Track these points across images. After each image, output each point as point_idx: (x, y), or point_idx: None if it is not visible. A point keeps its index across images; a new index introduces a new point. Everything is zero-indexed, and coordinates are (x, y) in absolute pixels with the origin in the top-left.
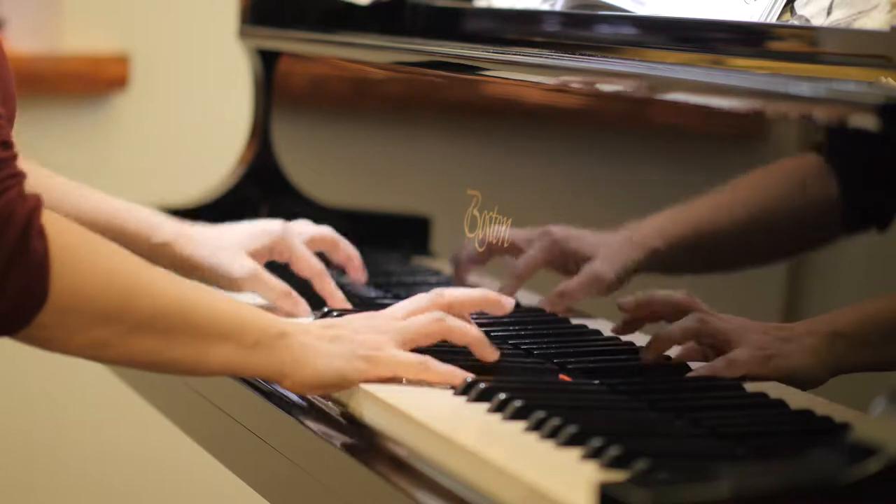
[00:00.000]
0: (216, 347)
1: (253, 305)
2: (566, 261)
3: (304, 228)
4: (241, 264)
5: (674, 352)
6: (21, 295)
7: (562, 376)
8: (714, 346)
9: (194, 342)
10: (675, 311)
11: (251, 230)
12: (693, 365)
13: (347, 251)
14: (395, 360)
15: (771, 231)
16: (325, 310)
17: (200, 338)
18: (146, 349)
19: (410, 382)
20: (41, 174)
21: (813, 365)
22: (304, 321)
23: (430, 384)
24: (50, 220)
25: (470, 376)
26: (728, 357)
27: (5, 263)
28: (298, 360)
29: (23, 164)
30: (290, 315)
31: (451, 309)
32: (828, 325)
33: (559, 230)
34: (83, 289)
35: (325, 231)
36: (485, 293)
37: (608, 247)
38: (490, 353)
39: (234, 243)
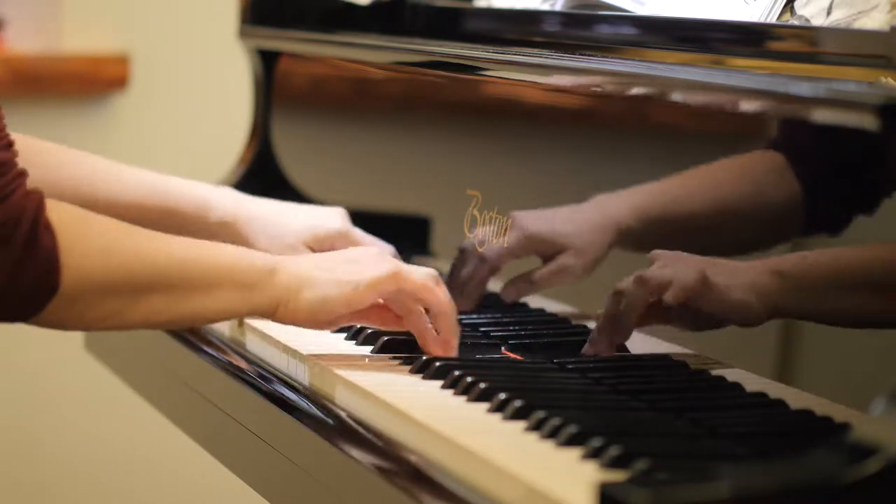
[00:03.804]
0: (217, 294)
1: (243, 248)
2: (538, 248)
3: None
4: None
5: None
6: (34, 287)
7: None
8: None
9: (196, 295)
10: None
11: (312, 221)
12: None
13: None
14: (375, 275)
15: (753, 225)
16: None
17: (201, 289)
18: (153, 311)
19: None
20: (72, 158)
21: (752, 301)
22: None
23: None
24: (53, 212)
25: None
26: (679, 286)
27: (19, 259)
28: (290, 290)
29: (53, 149)
30: None
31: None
32: (772, 264)
33: (525, 217)
34: (90, 272)
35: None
36: (454, 325)
37: (580, 235)
38: (454, 335)
39: (292, 235)
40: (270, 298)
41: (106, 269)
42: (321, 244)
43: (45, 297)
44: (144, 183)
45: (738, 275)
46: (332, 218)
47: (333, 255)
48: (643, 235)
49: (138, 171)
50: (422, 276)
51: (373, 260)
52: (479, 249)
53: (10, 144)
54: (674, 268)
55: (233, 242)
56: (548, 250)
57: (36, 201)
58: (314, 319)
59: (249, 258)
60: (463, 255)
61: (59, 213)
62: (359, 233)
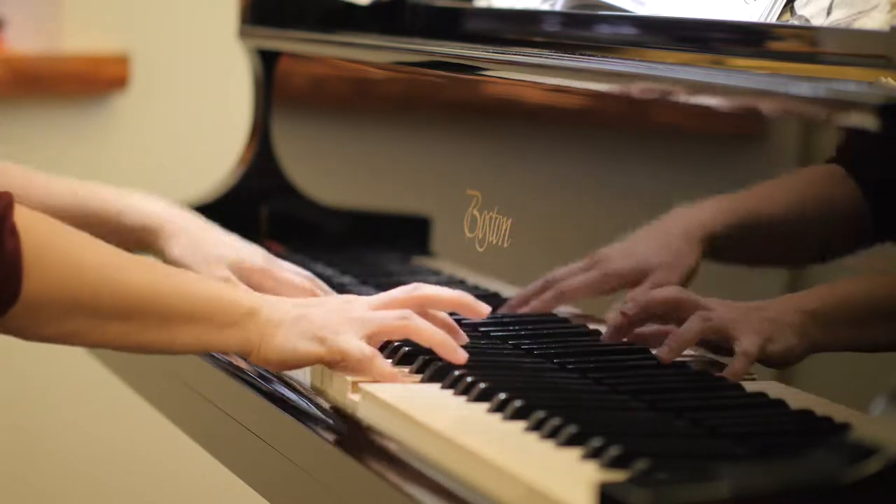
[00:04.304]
0: (187, 330)
1: (224, 283)
2: (628, 282)
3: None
4: (217, 276)
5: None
6: None
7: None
8: (720, 339)
9: (165, 327)
10: (673, 308)
11: (237, 247)
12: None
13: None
14: (345, 346)
15: (782, 233)
16: None
17: (171, 322)
18: (117, 335)
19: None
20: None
21: (796, 344)
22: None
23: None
24: (21, 217)
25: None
26: (742, 351)
27: None
28: (264, 336)
29: None
30: None
31: (426, 305)
32: (802, 303)
33: (610, 254)
34: (54, 284)
35: (305, 277)
36: (462, 295)
37: (668, 251)
38: (455, 356)
39: (216, 254)
40: (244, 340)
41: (73, 286)
42: (241, 273)
43: (5, 302)
44: (62, 189)
45: (779, 320)
46: (257, 254)
47: (318, 303)
48: (728, 244)
49: (56, 178)
50: (387, 372)
51: (355, 326)
52: (560, 283)
53: None
54: (733, 318)
55: (147, 247)
56: (639, 278)
57: (3, 203)
58: (284, 366)
59: (234, 297)
60: (545, 285)
61: (28, 221)
62: (278, 266)
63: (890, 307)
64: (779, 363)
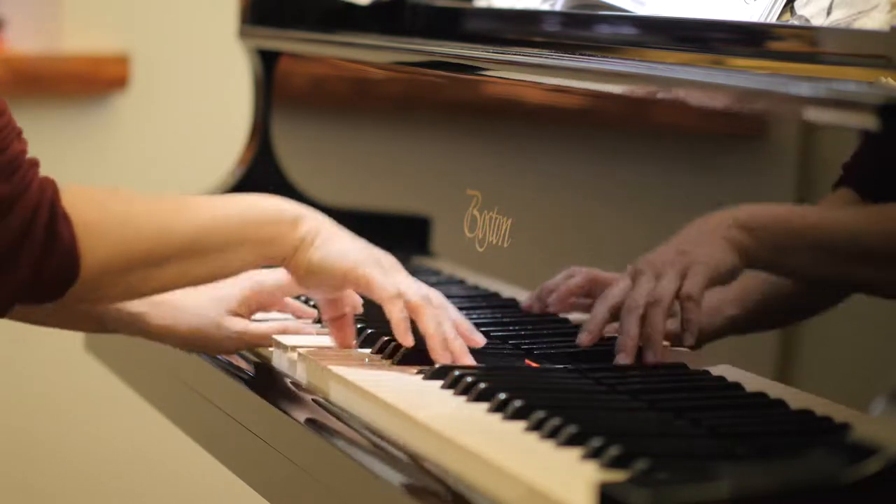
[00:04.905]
0: (235, 254)
1: (270, 199)
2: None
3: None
4: (228, 334)
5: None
6: (55, 276)
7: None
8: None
9: (214, 258)
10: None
11: (222, 291)
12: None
13: None
14: (371, 276)
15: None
16: None
17: (219, 252)
18: (172, 278)
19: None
20: None
21: (733, 257)
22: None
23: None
24: (68, 201)
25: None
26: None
27: (40, 253)
28: (304, 243)
29: None
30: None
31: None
32: (733, 216)
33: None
34: (108, 253)
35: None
36: (462, 347)
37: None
38: (443, 357)
39: (214, 308)
40: (284, 251)
41: (124, 247)
42: (246, 304)
43: (66, 284)
44: None
45: (706, 240)
46: (240, 278)
47: (355, 237)
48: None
49: None
50: (400, 318)
51: (387, 266)
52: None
53: (20, 133)
54: (670, 272)
55: (152, 329)
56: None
57: (51, 190)
58: (312, 275)
59: (276, 212)
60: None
61: (73, 199)
62: (266, 273)
63: (847, 244)
64: (723, 278)
